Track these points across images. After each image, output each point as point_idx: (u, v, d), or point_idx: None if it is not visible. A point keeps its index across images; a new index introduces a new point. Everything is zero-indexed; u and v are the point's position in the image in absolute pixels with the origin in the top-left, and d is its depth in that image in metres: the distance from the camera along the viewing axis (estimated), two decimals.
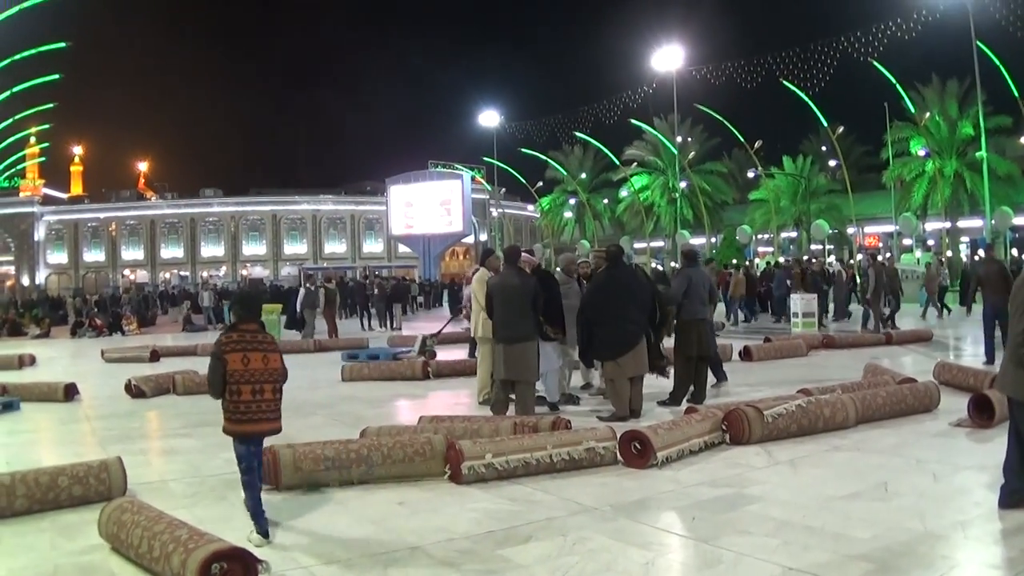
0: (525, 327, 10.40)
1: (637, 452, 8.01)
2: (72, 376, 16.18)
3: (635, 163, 70.32)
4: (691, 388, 11.72)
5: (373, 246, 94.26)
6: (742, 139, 55.83)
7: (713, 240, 67.74)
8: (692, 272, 11.93)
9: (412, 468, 7.74)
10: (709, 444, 8.62)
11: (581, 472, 7.84)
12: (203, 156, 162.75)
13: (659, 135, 63.47)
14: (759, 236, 65.05)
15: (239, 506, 6.91)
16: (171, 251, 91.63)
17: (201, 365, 18.26)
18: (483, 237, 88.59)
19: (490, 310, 10.69)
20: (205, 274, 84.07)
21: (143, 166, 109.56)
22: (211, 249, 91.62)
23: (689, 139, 67.54)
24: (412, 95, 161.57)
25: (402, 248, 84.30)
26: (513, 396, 10.62)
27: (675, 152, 59.66)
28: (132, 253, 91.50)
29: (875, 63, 44.00)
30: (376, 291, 33.70)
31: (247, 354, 6.34)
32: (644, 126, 63.34)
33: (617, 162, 67.26)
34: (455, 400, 12.80)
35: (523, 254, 11.25)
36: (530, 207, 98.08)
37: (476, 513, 6.73)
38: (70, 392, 14.26)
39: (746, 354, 16.52)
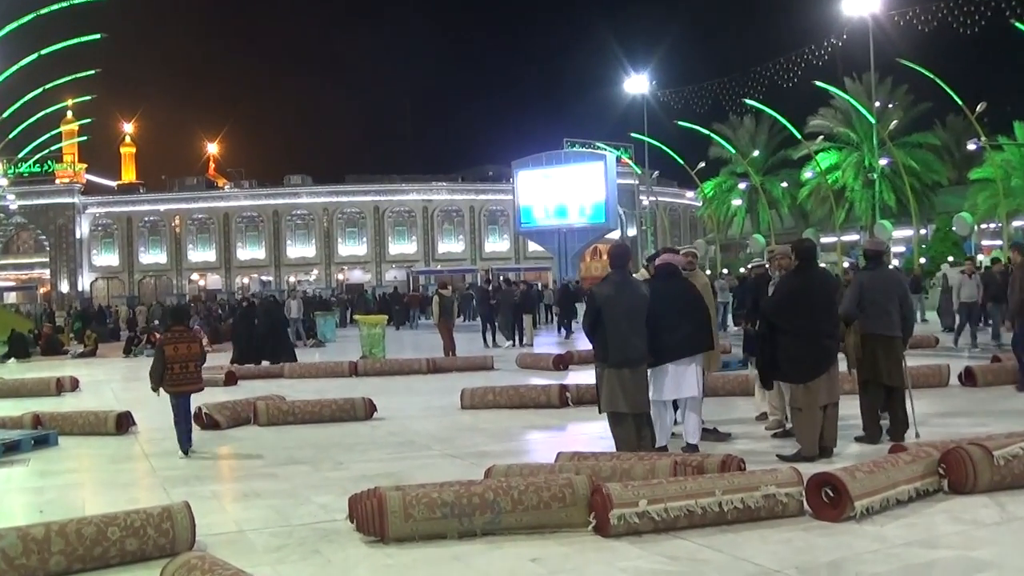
0: (644, 348, 10.45)
1: (829, 500, 7.90)
2: (126, 404, 16.73)
3: (821, 136, 69.06)
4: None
5: (497, 244, 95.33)
6: (960, 102, 54.11)
7: (924, 232, 66.02)
8: (868, 277, 11.67)
9: (548, 516, 7.78)
10: (922, 492, 8.43)
11: (758, 525, 7.78)
12: (287, 137, 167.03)
13: (851, 100, 62.18)
14: (983, 226, 63.11)
15: (336, 562, 7.10)
16: (250, 251, 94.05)
17: (290, 390, 18.92)
18: (631, 232, 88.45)
19: (592, 328, 10.61)
20: (292, 279, 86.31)
21: (213, 148, 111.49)
22: (299, 249, 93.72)
23: (890, 104, 66.09)
24: (541, 60, 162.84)
25: (532, 246, 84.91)
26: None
27: (872, 121, 58.30)
28: (201, 253, 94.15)
29: None
30: (501, 299, 33.60)
31: (177, 344, 12.56)
32: (832, 89, 62.17)
33: (798, 135, 66.20)
34: (601, 432, 12.81)
35: (667, 255, 11.27)
36: (689, 194, 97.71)
37: (627, 574, 6.74)
38: (124, 423, 14.59)
39: (968, 377, 16.11)
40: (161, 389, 12.55)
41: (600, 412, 10.72)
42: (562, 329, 35.47)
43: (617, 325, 10.38)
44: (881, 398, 11.48)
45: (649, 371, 10.65)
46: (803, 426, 10.49)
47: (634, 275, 11.32)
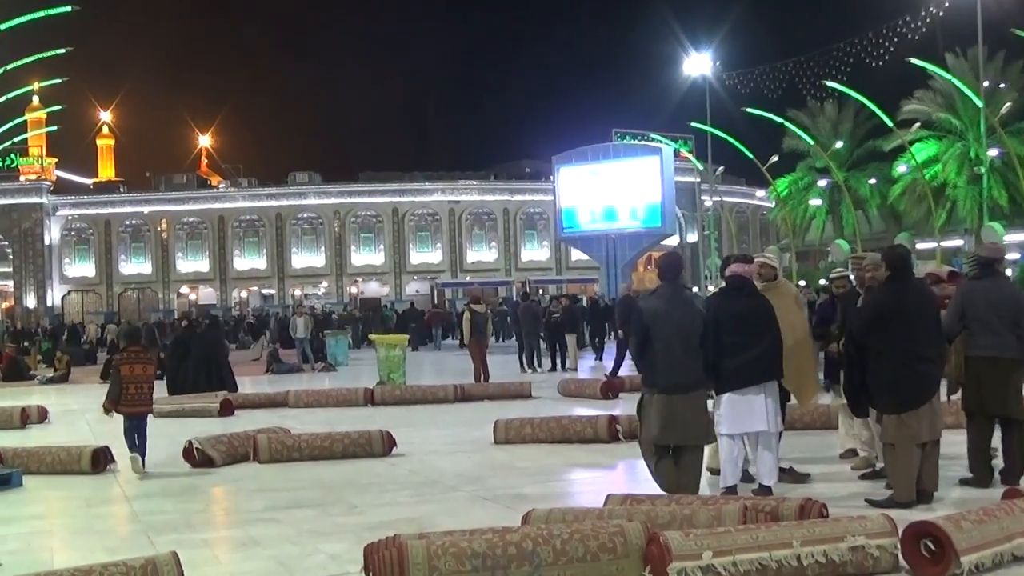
0: (698, 370, 10.54)
1: (930, 555, 7.84)
2: (103, 437, 16.74)
3: (917, 124, 68.67)
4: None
5: (535, 252, 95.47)
6: None
7: None
8: (974, 288, 11.51)
9: (597, 569, 7.74)
10: None
11: None
12: (292, 129, 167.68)
13: (954, 80, 61.72)
14: None
15: None
16: (248, 261, 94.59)
17: (296, 421, 18.98)
18: (692, 237, 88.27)
19: (641, 348, 10.73)
20: (298, 292, 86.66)
21: (206, 140, 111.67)
22: (306, 258, 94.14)
23: (1002, 84, 65.55)
24: (585, 39, 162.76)
25: (576, 254, 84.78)
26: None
27: (980, 104, 57.92)
28: (192, 263, 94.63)
29: None
30: (522, 315, 33.44)
31: (133, 365, 14.46)
32: (931, 67, 61.79)
33: (890, 123, 65.86)
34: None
35: (737, 265, 11.27)
36: (760, 193, 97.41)
37: None
38: (100, 460, 14.62)
39: None
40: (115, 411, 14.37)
41: (641, 444, 10.82)
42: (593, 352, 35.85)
43: (667, 344, 10.48)
44: (990, 433, 11.34)
45: (711, 401, 10.67)
46: (898, 466, 10.40)
47: (688, 288, 11.29)
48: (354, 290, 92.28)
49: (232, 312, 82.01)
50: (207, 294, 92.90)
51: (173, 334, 34.97)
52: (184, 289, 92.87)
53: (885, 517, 8.33)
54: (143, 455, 14.22)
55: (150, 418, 14.75)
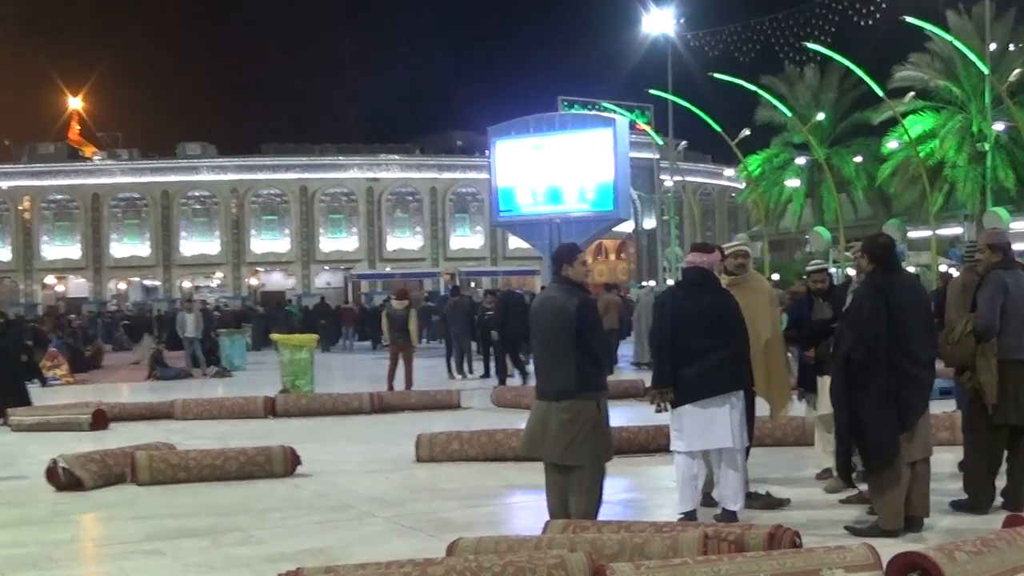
0: (565, 377, 10.48)
1: None
2: None
3: (912, 93, 68.97)
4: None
5: (467, 238, 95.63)
6: None
7: None
8: (1009, 277, 11.54)
9: None
10: None
11: None
12: (182, 93, 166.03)
13: (956, 41, 62.13)
14: None
15: None
16: (128, 247, 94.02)
17: (183, 435, 18.86)
18: (649, 223, 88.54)
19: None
20: (188, 284, 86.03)
21: (77, 103, 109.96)
22: (197, 244, 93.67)
23: (1011, 46, 65.93)
24: None
25: (515, 242, 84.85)
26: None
27: (985, 71, 58.39)
28: (60, 249, 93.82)
29: None
30: (450, 313, 33.56)
31: None
32: (929, 27, 62.16)
33: (880, 92, 66.15)
34: (608, 494, 12.77)
35: (695, 255, 11.33)
36: (728, 172, 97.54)
37: None
38: None
39: None
40: None
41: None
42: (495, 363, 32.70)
43: (539, 344, 10.76)
44: (1002, 448, 11.41)
45: (670, 415, 10.74)
46: (884, 488, 10.45)
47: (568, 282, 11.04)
48: (254, 282, 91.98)
49: (108, 307, 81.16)
50: (78, 285, 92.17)
51: None
52: (50, 280, 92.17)
53: (867, 547, 8.34)
54: None
55: (7, 431, 14.60)
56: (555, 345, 10.43)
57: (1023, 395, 11.27)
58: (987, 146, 62.59)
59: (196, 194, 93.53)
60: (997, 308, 11.20)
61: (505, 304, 30.01)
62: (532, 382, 27.82)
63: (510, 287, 65.33)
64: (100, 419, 21.23)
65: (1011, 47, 65.04)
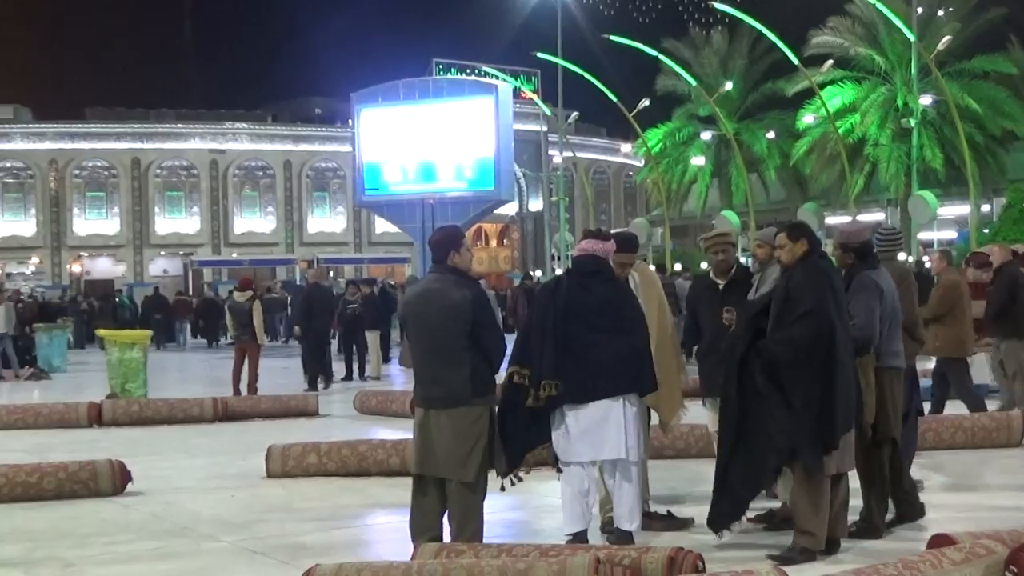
0: (458, 381, 10.55)
1: None
2: None
3: (830, 61, 69.72)
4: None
5: (327, 220, 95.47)
6: None
7: (988, 208, 67.22)
8: (879, 278, 11.64)
9: None
10: None
11: None
12: None
13: (878, 3, 62.92)
14: None
15: None
16: None
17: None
18: (535, 205, 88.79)
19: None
20: None
21: None
22: (9, 224, 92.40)
23: (940, 11, 66.92)
24: None
25: (382, 225, 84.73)
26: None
27: (912, 38, 59.24)
28: None
29: None
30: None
31: None
32: None
33: (795, 60, 66.86)
34: (487, 514, 12.83)
35: (588, 242, 11.31)
36: (626, 148, 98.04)
37: None
38: None
39: None
40: None
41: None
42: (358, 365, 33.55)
43: (416, 345, 10.86)
44: (877, 468, 11.55)
45: (552, 419, 10.77)
46: (807, 504, 10.53)
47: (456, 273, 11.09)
48: (77, 269, 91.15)
49: None
50: None
51: None
52: None
53: (778, 571, 8.46)
54: None
55: None
56: (445, 345, 10.48)
57: (900, 405, 11.62)
58: (913, 122, 62.96)
59: (7, 165, 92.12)
60: (876, 315, 11.36)
61: (310, 299, 30.08)
62: (335, 386, 28.22)
63: (371, 276, 65.27)
64: None
65: (940, 12, 65.85)
